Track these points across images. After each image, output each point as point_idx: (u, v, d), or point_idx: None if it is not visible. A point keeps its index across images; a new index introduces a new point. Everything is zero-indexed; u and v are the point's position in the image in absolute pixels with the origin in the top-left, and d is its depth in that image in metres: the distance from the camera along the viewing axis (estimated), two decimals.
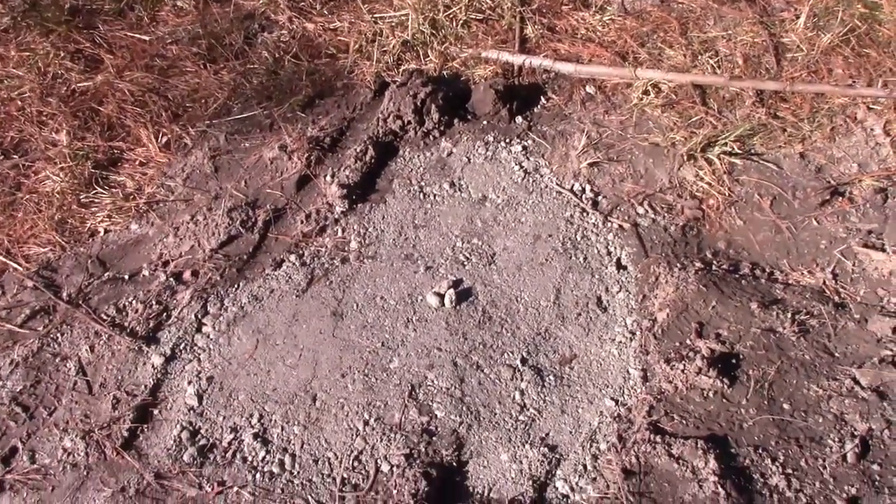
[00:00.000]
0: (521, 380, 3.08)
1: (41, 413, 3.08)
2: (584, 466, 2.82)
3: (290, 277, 3.47)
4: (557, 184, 3.76)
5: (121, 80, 4.32)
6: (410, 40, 4.37)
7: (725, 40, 4.28)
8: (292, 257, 3.54)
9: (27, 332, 3.32)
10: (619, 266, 3.44)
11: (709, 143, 3.74)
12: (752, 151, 3.80)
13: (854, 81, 4.01)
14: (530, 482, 2.79)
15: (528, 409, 3.00)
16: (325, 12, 4.73)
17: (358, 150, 3.86)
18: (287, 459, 2.90)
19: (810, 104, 3.97)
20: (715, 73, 4.10)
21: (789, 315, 3.08)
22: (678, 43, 4.28)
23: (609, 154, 3.84)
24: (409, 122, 3.96)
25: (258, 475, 2.86)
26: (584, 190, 3.72)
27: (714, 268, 3.34)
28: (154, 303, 3.39)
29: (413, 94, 3.95)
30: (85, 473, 2.90)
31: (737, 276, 3.30)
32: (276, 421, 3.01)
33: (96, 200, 3.83)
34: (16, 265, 3.57)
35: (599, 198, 3.70)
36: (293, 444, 2.94)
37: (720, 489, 2.60)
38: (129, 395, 3.10)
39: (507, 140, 3.97)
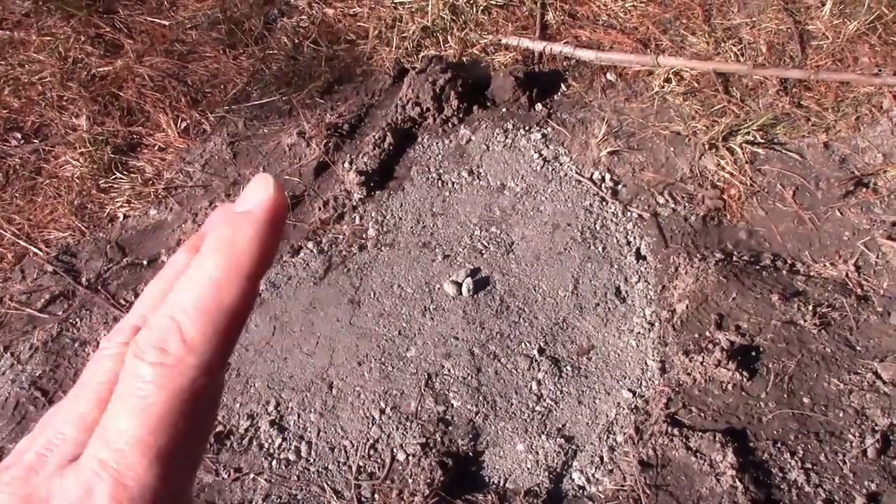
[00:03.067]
0: (538, 370, 3.06)
1: (60, 397, 3.09)
2: (601, 458, 2.81)
3: (307, 264, 3.47)
4: (577, 172, 3.73)
5: (140, 65, 4.32)
6: (430, 26, 4.34)
7: (749, 27, 4.22)
8: (310, 244, 3.54)
9: (47, 317, 3.35)
10: (639, 256, 3.42)
11: (731, 133, 3.69)
12: (775, 141, 3.75)
13: (880, 70, 3.94)
14: (546, 473, 2.79)
15: (544, 400, 2.98)
16: None
17: (376, 137, 3.84)
18: (303, 447, 2.91)
19: (835, 93, 3.91)
20: (738, 60, 4.05)
21: (811, 307, 3.04)
22: (701, 30, 4.22)
23: (629, 142, 3.80)
24: (428, 109, 3.94)
25: (274, 462, 2.87)
26: (603, 179, 3.69)
27: (735, 259, 3.30)
28: None
29: (432, 80, 3.93)
30: None
31: (758, 267, 3.27)
32: (292, 408, 3.02)
33: (115, 186, 3.84)
34: (36, 250, 3.59)
35: (619, 187, 3.66)
36: (309, 432, 2.95)
37: (738, 483, 2.58)
38: None
39: (527, 128, 3.93)
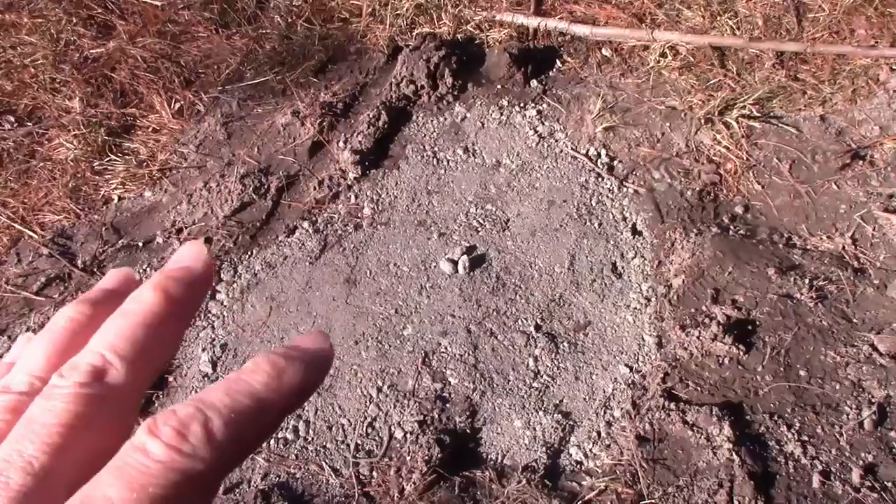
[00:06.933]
0: (535, 346, 3.07)
1: None
2: (598, 433, 2.82)
3: (303, 244, 3.47)
4: (572, 148, 3.71)
5: (133, 46, 4.29)
6: (424, 3, 4.30)
7: (745, 0, 4.19)
8: (305, 224, 3.53)
9: (43, 300, 3.34)
10: (635, 232, 3.41)
11: (727, 107, 3.67)
12: (772, 114, 3.73)
13: (877, 42, 3.92)
14: (544, 449, 2.80)
15: (541, 376, 2.99)
16: None
17: (371, 116, 3.82)
18: (301, 426, 2.91)
19: (831, 65, 3.89)
20: (734, 34, 4.02)
21: (807, 281, 3.04)
22: (697, 3, 4.19)
23: (625, 118, 3.79)
24: (423, 87, 3.92)
25: (272, 441, 2.88)
26: (599, 154, 3.68)
27: (731, 233, 3.30)
28: None
29: (426, 58, 3.91)
30: None
31: (754, 241, 3.26)
32: None
33: (110, 168, 3.82)
34: (31, 233, 3.58)
35: (615, 162, 3.65)
36: (307, 411, 2.95)
37: (735, 456, 2.59)
38: None
39: (522, 104, 3.92)
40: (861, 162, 3.53)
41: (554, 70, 4.10)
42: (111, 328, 0.45)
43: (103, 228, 3.60)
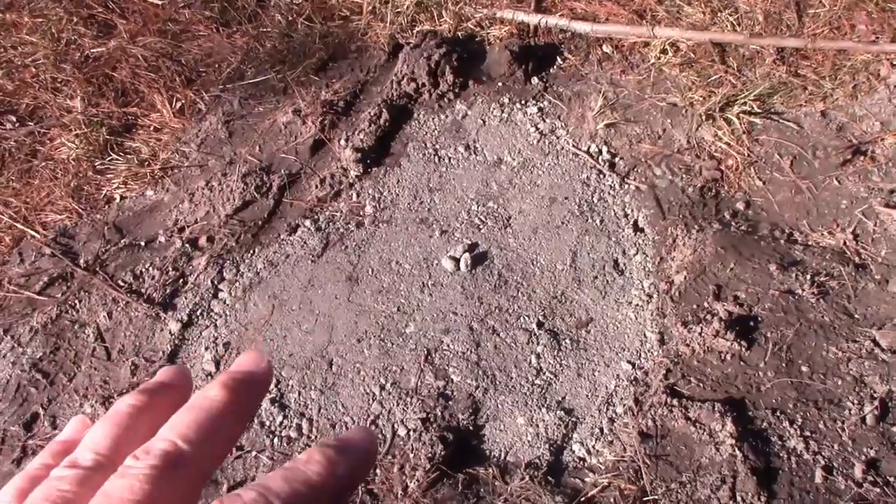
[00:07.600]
0: (538, 343, 3.07)
1: (61, 379, 3.11)
2: (601, 430, 2.82)
3: (305, 242, 3.47)
4: (574, 145, 3.72)
5: (134, 45, 4.29)
6: (424, 0, 4.31)
7: None
8: (307, 222, 3.53)
9: (46, 300, 3.35)
10: (636, 228, 3.41)
11: (728, 103, 3.67)
12: (772, 110, 3.73)
13: (878, 37, 3.92)
14: (547, 445, 2.80)
15: (544, 373, 2.99)
16: None
17: (372, 114, 3.83)
18: (304, 424, 2.92)
19: (832, 61, 3.88)
20: (734, 30, 4.02)
21: (809, 276, 3.05)
22: (697, 0, 4.19)
23: (626, 115, 3.79)
24: (424, 85, 3.92)
25: (276, 440, 2.88)
26: (600, 151, 3.68)
27: (732, 229, 3.30)
28: (170, 269, 3.40)
29: (427, 55, 3.91)
30: None
31: (756, 237, 3.27)
32: (292, 386, 3.03)
33: (111, 167, 3.83)
34: (33, 232, 3.59)
35: (616, 159, 3.65)
36: (310, 409, 2.96)
37: (737, 452, 2.59)
38: (147, 361, 3.13)
39: (523, 101, 3.92)
40: (862, 157, 3.53)
41: (555, 67, 4.10)
42: (181, 419, 0.50)
43: (105, 228, 3.60)
